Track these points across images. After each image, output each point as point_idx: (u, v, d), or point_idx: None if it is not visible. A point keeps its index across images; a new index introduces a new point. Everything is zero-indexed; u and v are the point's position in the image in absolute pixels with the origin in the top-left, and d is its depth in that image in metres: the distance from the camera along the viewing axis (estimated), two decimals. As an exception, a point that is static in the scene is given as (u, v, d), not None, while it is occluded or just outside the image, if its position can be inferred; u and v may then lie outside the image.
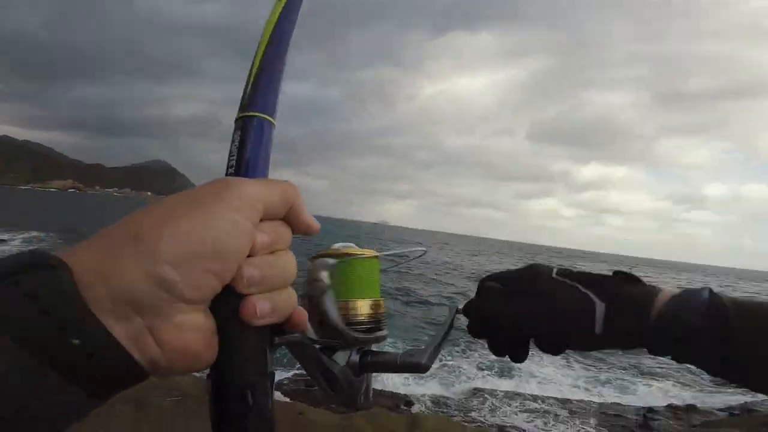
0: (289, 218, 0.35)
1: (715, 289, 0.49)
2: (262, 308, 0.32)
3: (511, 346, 0.54)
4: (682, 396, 6.49)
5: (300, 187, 0.35)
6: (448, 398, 5.83)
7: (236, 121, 0.37)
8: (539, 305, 0.52)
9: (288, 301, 0.35)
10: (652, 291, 0.50)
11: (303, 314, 0.37)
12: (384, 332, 0.50)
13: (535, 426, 5.06)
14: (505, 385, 6.70)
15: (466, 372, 7.34)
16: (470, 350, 8.20)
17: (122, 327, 0.28)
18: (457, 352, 8.22)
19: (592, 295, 0.50)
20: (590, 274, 0.53)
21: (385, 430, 3.07)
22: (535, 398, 5.95)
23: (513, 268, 0.58)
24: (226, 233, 0.30)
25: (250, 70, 0.38)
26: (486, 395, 5.96)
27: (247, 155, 0.36)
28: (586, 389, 7.01)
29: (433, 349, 0.50)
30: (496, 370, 7.37)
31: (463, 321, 0.57)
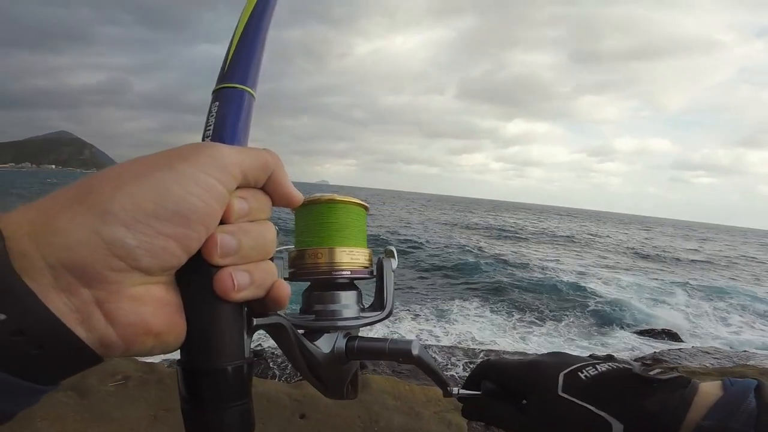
0: (269, 188, 0.32)
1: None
2: (239, 279, 0.29)
3: None
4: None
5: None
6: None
7: (214, 92, 0.35)
8: (543, 427, 0.47)
9: (268, 272, 0.31)
10: (683, 399, 0.41)
11: (285, 288, 0.32)
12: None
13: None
14: (446, 340, 7.00)
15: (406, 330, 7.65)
16: (410, 309, 8.49)
17: (63, 299, 0.24)
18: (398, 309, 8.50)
19: (607, 416, 0.43)
20: (603, 381, 0.46)
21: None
22: (476, 352, 6.22)
23: (511, 359, 0.55)
24: (193, 194, 0.27)
25: (231, 41, 0.37)
26: (433, 353, 6.11)
27: (226, 124, 0.34)
28: (520, 340, 7.58)
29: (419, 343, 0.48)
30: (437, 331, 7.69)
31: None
